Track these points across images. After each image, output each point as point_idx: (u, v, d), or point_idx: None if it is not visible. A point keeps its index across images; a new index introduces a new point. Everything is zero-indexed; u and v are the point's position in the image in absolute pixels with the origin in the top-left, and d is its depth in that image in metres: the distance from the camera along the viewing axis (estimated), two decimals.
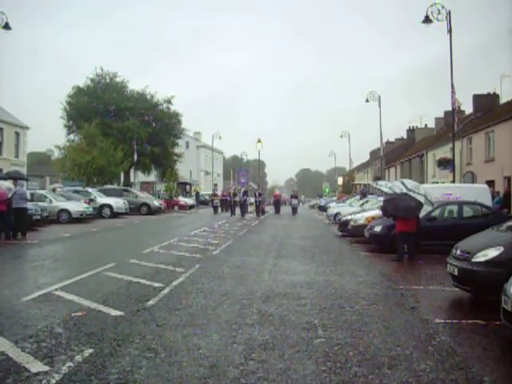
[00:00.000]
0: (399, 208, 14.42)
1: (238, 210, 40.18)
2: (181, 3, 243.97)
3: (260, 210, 40.54)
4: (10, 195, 18.55)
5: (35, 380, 4.96)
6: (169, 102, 57.43)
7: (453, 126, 26.40)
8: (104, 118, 52.04)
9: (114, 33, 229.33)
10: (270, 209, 50.54)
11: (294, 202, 45.52)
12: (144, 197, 42.63)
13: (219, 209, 45.48)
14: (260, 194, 41.82)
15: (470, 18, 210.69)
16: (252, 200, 41.15)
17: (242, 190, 42.31)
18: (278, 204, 46.85)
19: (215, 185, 53.99)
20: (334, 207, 34.23)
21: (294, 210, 44.49)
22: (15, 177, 21.81)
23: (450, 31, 24.21)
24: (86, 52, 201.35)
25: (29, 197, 20.44)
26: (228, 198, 43.28)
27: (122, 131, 51.80)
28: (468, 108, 46.23)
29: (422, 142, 57.39)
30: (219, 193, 47.21)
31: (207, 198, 58.99)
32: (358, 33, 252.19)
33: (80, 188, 38.00)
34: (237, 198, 40.54)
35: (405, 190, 14.65)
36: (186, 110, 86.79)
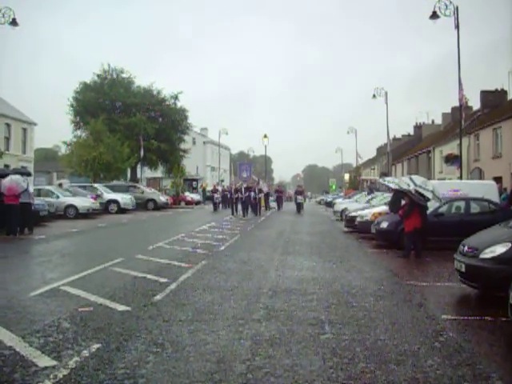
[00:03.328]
0: (422, 200, 14.41)
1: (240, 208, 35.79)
2: (185, 3, 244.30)
3: (259, 208, 36.60)
4: (21, 190, 18.60)
5: (43, 374, 4.97)
6: (175, 97, 57.47)
7: (460, 122, 26.32)
8: (111, 114, 52.10)
9: (122, 29, 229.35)
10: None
11: (299, 198, 40.78)
12: (150, 193, 42.77)
13: (220, 206, 41.94)
14: (260, 191, 37.71)
15: (478, 17, 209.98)
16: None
17: (244, 185, 37.60)
18: (266, 200, 42.66)
19: (222, 180, 53.63)
20: (340, 203, 34.11)
21: (299, 207, 39.92)
22: (20, 172, 21.83)
23: (457, 27, 24.15)
24: (93, 48, 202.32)
25: (31, 190, 20.40)
26: (229, 194, 39.26)
27: (129, 127, 51.82)
28: (475, 104, 46.12)
29: (429, 138, 57.21)
30: (220, 188, 43.69)
31: None
32: (366, 29, 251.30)
33: (87, 184, 38.09)
34: (238, 195, 35.82)
35: (413, 186, 14.61)
36: (193, 107, 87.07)
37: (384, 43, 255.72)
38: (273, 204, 46.29)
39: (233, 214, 34.81)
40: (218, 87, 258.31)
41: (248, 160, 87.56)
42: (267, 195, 42.84)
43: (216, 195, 41.14)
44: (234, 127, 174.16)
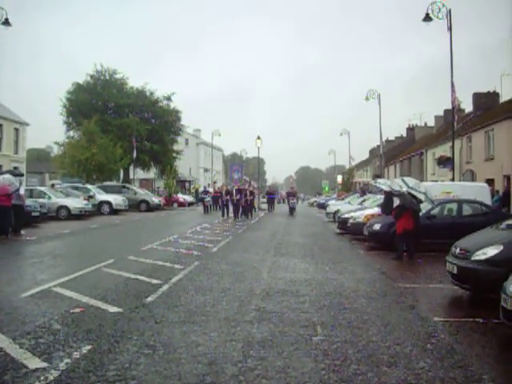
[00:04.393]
0: (413, 202, 14.43)
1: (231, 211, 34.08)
2: (186, 2, 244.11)
3: (249, 211, 34.42)
4: (12, 190, 18.47)
5: (33, 376, 4.94)
6: (168, 98, 57.39)
7: (453, 125, 26.37)
8: (103, 115, 51.95)
9: (121, 29, 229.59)
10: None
11: (292, 201, 40.09)
12: (143, 194, 42.69)
13: (211, 208, 39.96)
14: (251, 193, 35.59)
15: (472, 19, 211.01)
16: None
17: (235, 187, 35.98)
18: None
19: (214, 182, 53.45)
20: (333, 205, 34.14)
21: (292, 210, 39.05)
22: (14, 173, 21.70)
23: (450, 29, 24.18)
24: (92, 49, 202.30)
25: (22, 192, 20.22)
26: (220, 196, 37.12)
27: (122, 128, 51.73)
28: (468, 107, 46.26)
29: (422, 140, 57.36)
30: (211, 190, 42.10)
31: None
32: (365, 30, 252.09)
33: (79, 185, 37.96)
34: (229, 197, 33.98)
35: (405, 188, 14.65)
36: (189, 108, 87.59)
37: (383, 44, 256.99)
38: (264, 206, 46.11)
39: (223, 216, 33.53)
40: (213, 88, 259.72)
41: (241, 161, 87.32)
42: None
43: (207, 197, 39.43)
44: (228, 128, 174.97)
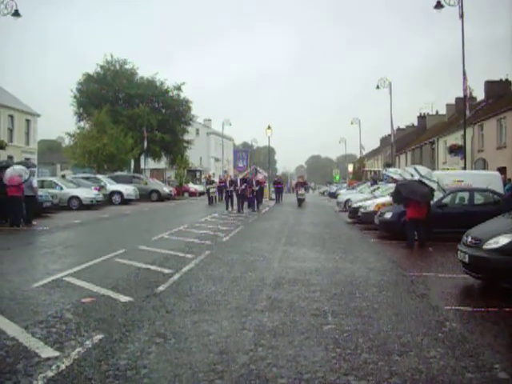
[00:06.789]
0: (416, 192, 14.31)
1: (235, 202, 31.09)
2: None
3: (257, 202, 31.88)
4: (23, 180, 18.58)
5: (45, 365, 4.97)
6: (178, 88, 57.26)
7: (464, 113, 26.20)
8: (114, 105, 52.03)
9: (130, 21, 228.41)
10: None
11: (301, 191, 36.95)
12: (154, 184, 42.77)
13: (216, 199, 37.84)
14: (258, 182, 32.74)
15: (485, 7, 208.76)
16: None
17: (240, 176, 33.52)
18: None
19: (225, 171, 53.44)
20: (344, 194, 34.11)
21: (300, 202, 36.21)
22: (27, 165, 21.83)
23: (461, 16, 23.94)
24: (100, 41, 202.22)
25: (35, 184, 20.37)
26: (224, 186, 34.26)
27: (132, 118, 51.80)
28: (480, 95, 45.89)
29: (433, 128, 57.00)
30: (217, 179, 40.44)
31: None
32: (374, 19, 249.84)
33: (90, 175, 38.12)
34: (233, 187, 31.07)
35: (417, 177, 14.58)
36: (197, 98, 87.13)
37: (391, 32, 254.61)
38: (274, 196, 45.89)
39: (227, 208, 30.68)
40: (223, 78, 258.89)
41: (251, 151, 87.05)
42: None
43: (211, 187, 37.39)
44: (239, 118, 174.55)
